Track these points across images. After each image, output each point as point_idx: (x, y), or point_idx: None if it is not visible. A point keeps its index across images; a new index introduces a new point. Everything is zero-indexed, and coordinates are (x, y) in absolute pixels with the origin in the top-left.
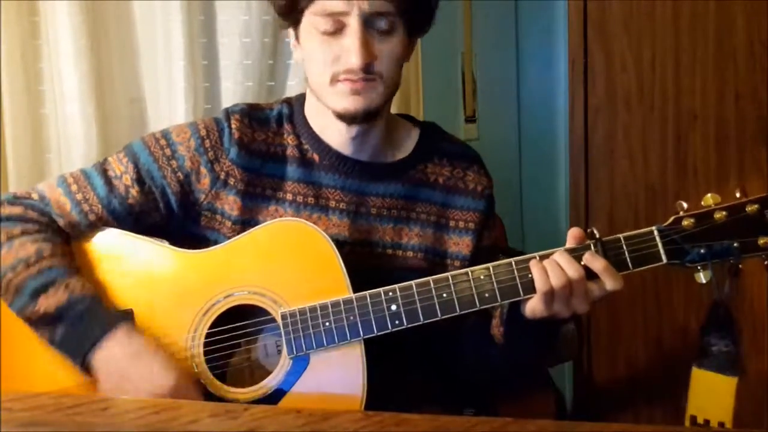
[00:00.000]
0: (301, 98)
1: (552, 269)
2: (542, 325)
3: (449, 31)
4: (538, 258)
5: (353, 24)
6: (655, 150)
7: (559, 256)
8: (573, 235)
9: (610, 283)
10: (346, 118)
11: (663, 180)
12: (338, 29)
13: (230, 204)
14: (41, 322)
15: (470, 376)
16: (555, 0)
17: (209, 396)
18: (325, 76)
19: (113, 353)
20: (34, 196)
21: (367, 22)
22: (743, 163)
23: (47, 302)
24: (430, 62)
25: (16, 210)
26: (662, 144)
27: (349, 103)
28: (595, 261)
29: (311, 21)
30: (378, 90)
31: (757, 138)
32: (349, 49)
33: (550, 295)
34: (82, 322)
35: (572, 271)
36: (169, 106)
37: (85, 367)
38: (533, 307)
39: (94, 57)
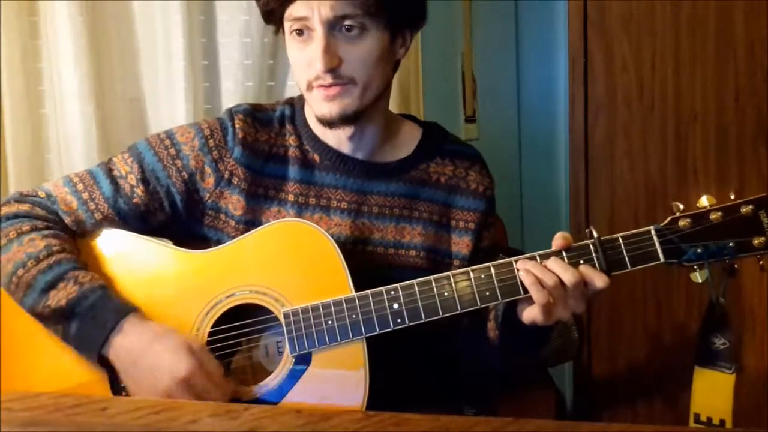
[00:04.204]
0: (303, 99)
1: (547, 278)
2: (538, 327)
3: (449, 31)
4: (530, 265)
5: (317, 29)
6: (655, 150)
7: (554, 264)
8: (557, 243)
9: (599, 281)
10: (325, 122)
11: (663, 180)
12: (308, 33)
13: (234, 203)
14: (54, 318)
15: (467, 375)
16: (555, 0)
17: None
18: (303, 82)
19: (127, 342)
20: (41, 194)
21: (332, 25)
22: (743, 163)
23: (58, 296)
24: (430, 62)
25: (24, 207)
26: (662, 144)
27: (325, 109)
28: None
29: (286, 27)
30: (353, 94)
31: (757, 138)
32: (315, 55)
33: (549, 306)
34: (94, 313)
35: (568, 276)
36: (169, 106)
37: (101, 361)
38: (533, 316)
39: (94, 57)
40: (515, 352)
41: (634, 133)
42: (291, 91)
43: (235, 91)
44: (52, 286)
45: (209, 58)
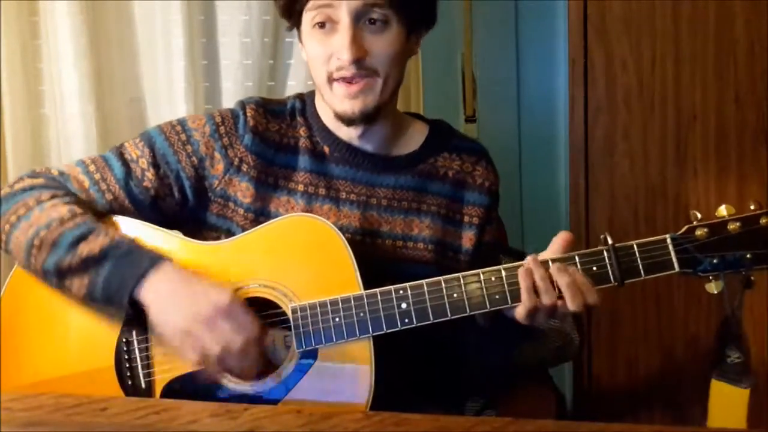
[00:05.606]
0: (313, 93)
1: (543, 286)
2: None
3: (449, 31)
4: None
5: (343, 19)
6: (655, 150)
7: (555, 271)
8: (559, 242)
9: (570, 302)
10: (345, 120)
11: (663, 180)
12: (331, 25)
13: (243, 191)
14: (82, 267)
15: (468, 365)
16: (555, 0)
17: (216, 388)
18: (322, 75)
19: (164, 280)
20: (54, 172)
21: (358, 16)
22: (743, 163)
23: (89, 246)
24: (430, 62)
25: (38, 181)
26: (662, 144)
27: (347, 106)
28: (560, 275)
29: (307, 18)
30: (375, 89)
31: (757, 138)
32: (341, 46)
33: (534, 310)
34: (130, 257)
35: (564, 279)
36: (169, 106)
37: (131, 301)
38: (517, 314)
39: (94, 57)
40: (506, 341)
41: (634, 133)
42: (291, 91)
43: (235, 91)
44: (82, 238)
45: (209, 58)
